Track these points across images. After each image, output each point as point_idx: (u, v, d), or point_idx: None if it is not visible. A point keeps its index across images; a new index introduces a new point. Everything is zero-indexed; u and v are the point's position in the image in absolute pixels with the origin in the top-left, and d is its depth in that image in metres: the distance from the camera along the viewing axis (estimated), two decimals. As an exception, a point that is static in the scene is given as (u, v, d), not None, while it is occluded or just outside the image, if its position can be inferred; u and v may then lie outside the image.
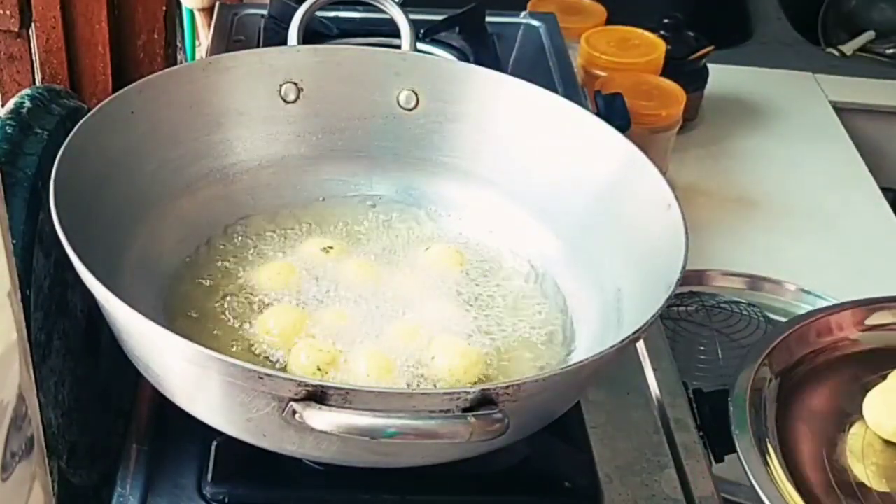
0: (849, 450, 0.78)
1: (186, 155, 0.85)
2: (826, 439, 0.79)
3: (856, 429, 0.80)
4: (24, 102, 0.83)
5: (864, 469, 0.77)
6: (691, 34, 1.45)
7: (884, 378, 0.83)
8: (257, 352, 0.75)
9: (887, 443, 0.79)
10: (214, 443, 0.73)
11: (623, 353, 0.68)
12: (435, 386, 0.72)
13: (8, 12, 1.16)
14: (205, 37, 1.43)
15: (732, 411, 0.78)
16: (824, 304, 1.11)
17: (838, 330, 0.87)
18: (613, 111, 1.14)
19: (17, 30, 1.19)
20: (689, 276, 1.11)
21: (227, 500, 0.71)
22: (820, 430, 0.79)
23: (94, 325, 0.85)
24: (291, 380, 0.60)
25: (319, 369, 0.73)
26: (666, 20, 1.44)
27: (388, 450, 0.65)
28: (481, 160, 0.90)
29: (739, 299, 1.12)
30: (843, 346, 0.87)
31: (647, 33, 1.41)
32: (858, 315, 0.89)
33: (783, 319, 1.11)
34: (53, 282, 0.79)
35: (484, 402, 0.61)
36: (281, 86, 0.88)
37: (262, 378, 0.60)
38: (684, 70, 1.41)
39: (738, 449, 0.76)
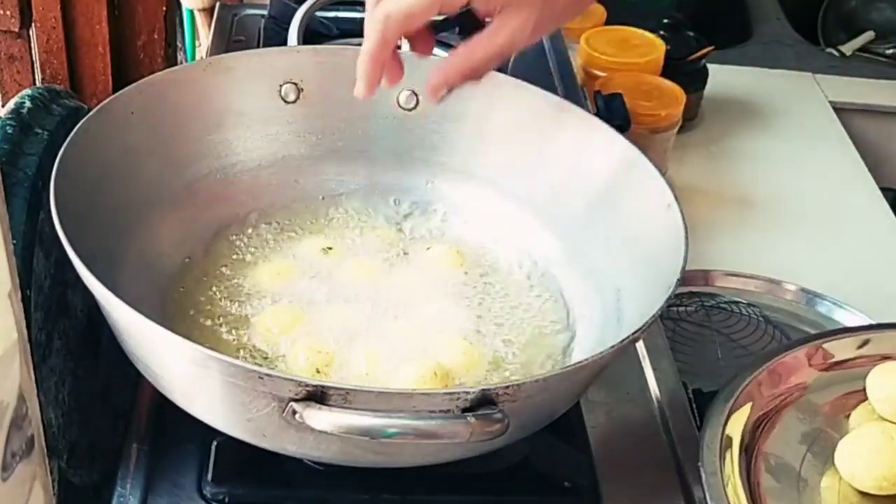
0: None
1: (186, 155, 0.85)
2: (799, 493, 0.75)
3: (828, 480, 0.76)
4: (24, 102, 0.83)
5: None
6: (691, 34, 1.45)
7: (846, 417, 0.81)
8: (257, 352, 0.75)
9: (862, 494, 0.76)
10: (214, 443, 0.73)
11: (623, 353, 0.68)
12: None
13: (8, 12, 1.17)
14: (205, 37, 1.43)
15: (705, 458, 0.74)
16: (824, 304, 1.11)
17: (795, 372, 0.84)
18: (613, 111, 1.14)
19: (17, 30, 1.19)
20: (689, 276, 1.11)
21: (227, 500, 0.71)
22: (792, 483, 0.76)
23: (94, 325, 0.85)
24: (291, 380, 0.60)
25: (318, 371, 0.73)
26: (666, 20, 1.44)
27: (388, 450, 0.65)
28: (481, 160, 0.90)
29: (739, 299, 1.12)
30: (801, 388, 0.83)
31: (646, 33, 1.41)
32: (812, 353, 0.85)
33: (783, 319, 1.10)
34: (53, 282, 0.79)
35: (484, 402, 0.61)
36: (281, 86, 0.88)
37: (262, 378, 0.60)
38: (684, 70, 1.40)
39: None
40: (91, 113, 0.77)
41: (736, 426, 0.77)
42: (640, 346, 0.89)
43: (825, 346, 0.86)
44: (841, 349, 0.86)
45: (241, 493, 0.72)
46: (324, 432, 0.60)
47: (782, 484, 0.76)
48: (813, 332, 1.07)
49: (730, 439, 0.76)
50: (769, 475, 0.76)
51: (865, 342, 0.87)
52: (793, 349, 0.85)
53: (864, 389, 0.82)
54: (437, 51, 1.16)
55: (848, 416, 0.81)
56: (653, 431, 0.82)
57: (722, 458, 0.74)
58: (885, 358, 0.85)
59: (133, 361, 0.71)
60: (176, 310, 0.78)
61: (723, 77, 1.51)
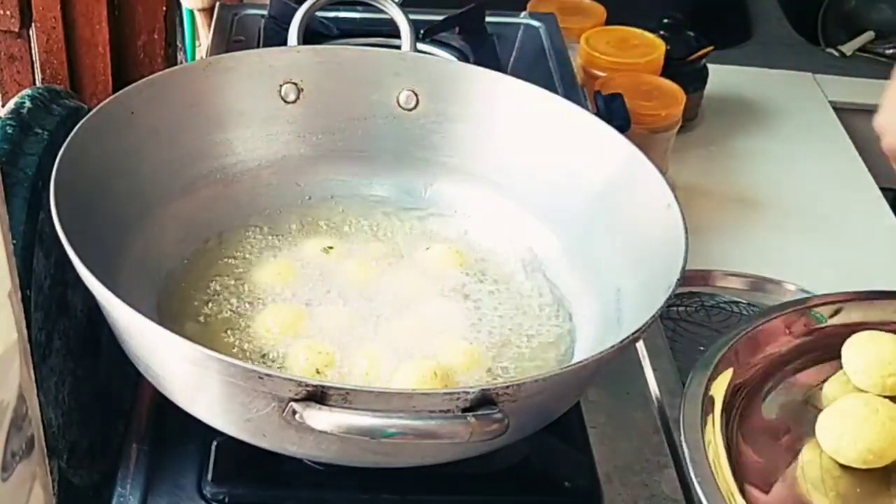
0: (807, 480, 0.74)
1: (186, 155, 0.85)
2: (780, 467, 0.75)
3: (809, 454, 0.76)
4: (24, 102, 0.83)
5: (826, 501, 0.73)
6: (691, 34, 1.45)
7: (820, 387, 0.81)
8: (257, 352, 0.75)
9: (844, 468, 0.75)
10: (214, 443, 0.73)
11: (623, 353, 0.68)
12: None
13: (8, 12, 1.17)
14: (205, 37, 1.42)
15: (684, 436, 0.73)
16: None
17: (774, 339, 0.83)
18: (613, 111, 1.14)
19: (17, 30, 1.19)
20: (690, 277, 1.11)
21: (227, 500, 0.71)
22: (773, 457, 0.75)
23: (94, 325, 0.85)
24: (291, 380, 0.60)
25: (318, 371, 0.73)
26: (666, 20, 1.44)
27: (388, 450, 0.65)
28: (481, 160, 0.90)
29: (739, 299, 1.12)
30: (780, 355, 0.83)
31: (646, 33, 1.41)
32: (788, 321, 0.85)
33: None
34: (53, 282, 0.79)
35: (484, 402, 0.61)
36: (281, 86, 0.88)
37: (262, 378, 0.60)
38: (684, 70, 1.40)
39: (694, 480, 0.71)
40: (91, 113, 0.77)
41: (716, 394, 0.77)
42: (640, 346, 0.89)
43: (799, 314, 0.86)
44: (814, 318, 0.86)
45: (241, 493, 0.72)
46: (324, 432, 0.60)
47: (763, 458, 0.75)
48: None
49: (711, 402, 0.76)
50: (749, 449, 0.76)
51: (837, 311, 0.87)
52: (768, 318, 0.85)
53: (838, 359, 0.81)
54: (437, 51, 1.17)
55: (822, 387, 0.81)
56: (653, 431, 0.82)
57: (703, 422, 0.74)
58: (859, 326, 0.84)
59: (133, 361, 0.71)
60: (176, 310, 0.78)
61: (723, 77, 1.51)
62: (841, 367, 0.82)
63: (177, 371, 0.67)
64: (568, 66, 1.21)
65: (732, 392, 0.78)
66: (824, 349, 0.84)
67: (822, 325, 0.86)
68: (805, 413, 0.79)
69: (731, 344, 0.81)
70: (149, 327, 0.62)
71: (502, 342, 0.78)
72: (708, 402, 0.76)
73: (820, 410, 0.78)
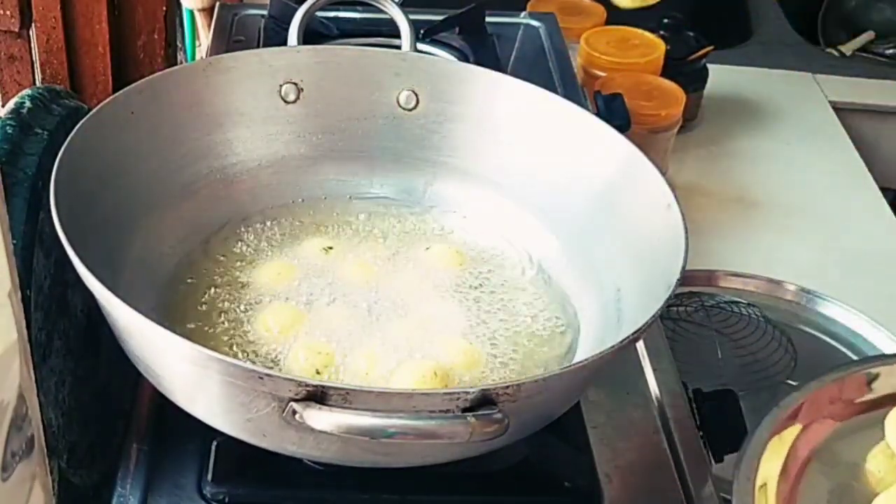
0: None
1: (187, 155, 0.85)
2: None
3: None
4: (24, 102, 0.83)
5: None
6: (691, 34, 1.45)
7: (863, 461, 0.74)
8: (257, 352, 0.75)
9: None
10: (214, 443, 0.73)
11: (623, 353, 0.68)
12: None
13: (8, 12, 1.17)
14: (205, 37, 1.43)
15: None
16: (824, 304, 1.11)
17: (815, 418, 0.75)
18: (613, 111, 1.14)
19: (17, 30, 1.20)
20: (689, 277, 1.11)
21: (227, 500, 0.71)
22: None
23: (94, 325, 0.85)
24: (292, 380, 0.60)
25: (318, 372, 0.73)
26: (666, 20, 1.44)
27: (388, 450, 0.65)
28: (481, 160, 0.90)
29: (739, 299, 1.12)
30: (823, 435, 0.75)
31: (646, 33, 1.41)
32: (833, 392, 0.76)
33: (783, 319, 1.10)
34: (53, 282, 0.79)
35: (484, 402, 0.61)
36: (281, 86, 0.88)
37: (262, 378, 0.60)
38: (684, 70, 1.41)
39: None
40: (91, 113, 0.77)
41: (768, 481, 0.71)
42: (640, 346, 0.89)
43: (839, 384, 0.77)
44: (854, 387, 0.77)
45: (241, 493, 0.72)
46: (324, 432, 0.60)
47: None
48: (812, 332, 1.07)
49: (763, 493, 0.71)
50: None
51: (875, 377, 0.78)
52: (810, 389, 0.76)
53: (880, 426, 0.77)
54: (437, 51, 1.17)
55: (866, 462, 0.75)
56: (653, 431, 0.82)
57: None
58: None
59: (133, 361, 0.71)
60: (176, 310, 0.78)
61: (723, 77, 1.51)
62: (883, 437, 0.78)
63: (177, 371, 0.67)
64: (568, 66, 1.21)
65: (781, 477, 0.71)
66: (867, 417, 0.76)
67: (862, 399, 0.77)
68: (853, 497, 0.72)
69: (776, 422, 0.72)
70: (149, 327, 0.62)
71: (502, 342, 0.78)
72: (760, 494, 0.71)
73: (870, 493, 0.72)
